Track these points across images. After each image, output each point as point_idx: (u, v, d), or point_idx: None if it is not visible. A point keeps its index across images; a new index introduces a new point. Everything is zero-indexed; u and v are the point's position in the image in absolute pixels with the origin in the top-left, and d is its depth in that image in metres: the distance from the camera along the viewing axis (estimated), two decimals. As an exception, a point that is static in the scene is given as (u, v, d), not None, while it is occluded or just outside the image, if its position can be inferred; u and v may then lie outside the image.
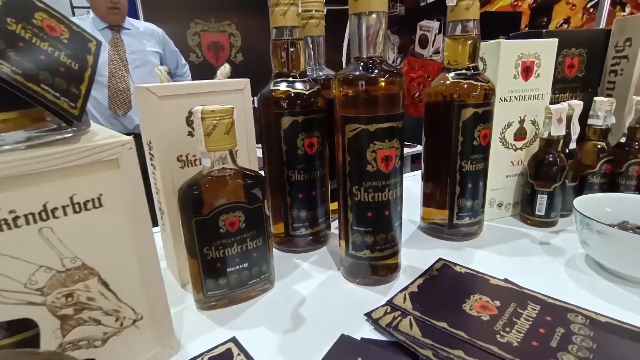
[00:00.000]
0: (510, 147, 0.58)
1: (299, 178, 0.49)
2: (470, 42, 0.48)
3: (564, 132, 0.54)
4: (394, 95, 0.39)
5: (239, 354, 0.34)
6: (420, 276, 0.44)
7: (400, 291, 0.41)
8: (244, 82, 0.45)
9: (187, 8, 3.04)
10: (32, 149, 0.24)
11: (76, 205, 0.26)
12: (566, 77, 0.64)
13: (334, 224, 0.57)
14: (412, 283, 0.43)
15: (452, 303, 0.39)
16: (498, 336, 0.34)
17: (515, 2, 2.78)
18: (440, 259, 0.48)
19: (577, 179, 0.59)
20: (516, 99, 0.55)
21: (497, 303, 0.39)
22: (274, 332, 0.37)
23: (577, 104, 0.55)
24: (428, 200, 0.56)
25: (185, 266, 0.40)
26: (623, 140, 0.60)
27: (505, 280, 0.43)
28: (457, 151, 0.49)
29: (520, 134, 0.57)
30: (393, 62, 3.33)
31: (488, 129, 0.50)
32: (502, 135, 0.56)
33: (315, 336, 0.36)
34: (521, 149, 0.58)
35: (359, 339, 0.35)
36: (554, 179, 0.54)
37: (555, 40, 0.55)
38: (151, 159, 0.42)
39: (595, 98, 0.59)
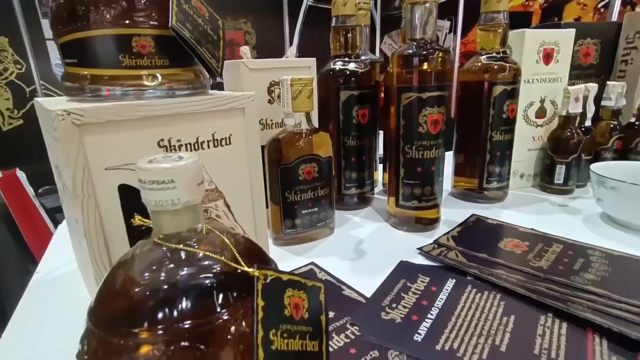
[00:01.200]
0: (532, 123, 0.65)
1: (352, 143, 0.57)
2: (500, 30, 0.56)
3: (580, 110, 0.62)
4: (441, 69, 0.47)
5: (320, 272, 0.42)
6: (458, 225, 0.52)
7: (444, 234, 0.49)
8: (312, 61, 0.53)
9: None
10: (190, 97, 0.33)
11: (215, 141, 0.35)
12: (582, 65, 0.71)
13: (376, 189, 0.65)
14: (452, 229, 0.51)
15: (489, 243, 0.47)
16: (530, 263, 0.42)
17: (527, 2, 2.84)
18: (473, 214, 0.56)
19: (591, 154, 0.67)
20: (538, 81, 0.63)
21: (527, 243, 0.47)
22: (343, 260, 0.45)
23: (593, 86, 0.63)
24: (459, 169, 0.64)
25: (261, 215, 0.49)
26: (633, 120, 0.67)
27: (532, 229, 0.51)
28: (489, 123, 0.58)
29: (541, 112, 0.65)
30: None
31: (515, 104, 0.58)
32: (525, 113, 0.64)
33: (378, 262, 0.44)
34: (541, 125, 0.66)
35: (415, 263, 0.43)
36: (572, 151, 0.62)
37: (572, 30, 0.63)
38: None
39: (608, 82, 0.67)
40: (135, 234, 0.30)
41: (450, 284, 0.38)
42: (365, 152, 0.59)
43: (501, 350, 0.29)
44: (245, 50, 0.51)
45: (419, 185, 0.50)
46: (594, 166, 0.54)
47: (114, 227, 0.30)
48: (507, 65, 0.56)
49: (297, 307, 0.22)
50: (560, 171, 0.63)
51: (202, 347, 0.18)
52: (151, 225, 0.22)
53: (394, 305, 0.35)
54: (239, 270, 0.21)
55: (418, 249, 0.46)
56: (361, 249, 0.48)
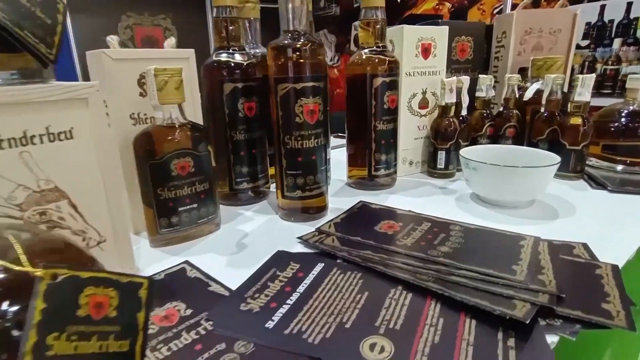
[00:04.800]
0: (416, 114, 0.70)
1: (240, 137, 0.56)
2: (378, 25, 0.59)
3: (454, 100, 0.68)
4: (315, 60, 0.48)
5: (192, 270, 0.41)
6: (343, 212, 0.54)
7: (327, 222, 0.51)
8: (190, 52, 0.52)
9: (117, 1, 2.91)
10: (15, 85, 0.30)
11: (51, 135, 0.32)
12: (459, 60, 0.78)
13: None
14: (336, 217, 0.53)
15: (366, 226, 0.49)
16: (397, 241, 0.44)
17: (437, 6, 3.06)
18: (360, 201, 0.59)
19: (468, 140, 0.73)
20: (418, 74, 0.68)
21: (400, 224, 0.50)
22: (221, 255, 0.44)
23: (465, 78, 0.69)
24: (351, 160, 0.67)
25: (139, 215, 0.46)
26: (501, 109, 0.76)
27: (409, 211, 0.54)
28: (372, 113, 0.60)
29: (423, 103, 0.70)
30: (331, 60, 3.48)
31: (395, 95, 0.61)
32: (409, 104, 0.69)
33: (258, 255, 0.44)
34: (425, 115, 0.71)
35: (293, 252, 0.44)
36: (450, 138, 0.68)
37: (446, 28, 0.69)
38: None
39: (479, 75, 0.74)
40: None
41: (318, 268, 0.39)
42: (256, 145, 0.58)
43: (346, 327, 0.30)
44: (111, 39, 0.48)
45: (301, 175, 0.50)
46: (462, 151, 0.59)
47: None
48: (386, 58, 0.60)
49: (99, 307, 0.21)
50: (441, 157, 0.69)
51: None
52: None
53: (256, 295, 0.35)
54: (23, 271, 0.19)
55: (298, 237, 0.47)
56: (244, 243, 0.47)
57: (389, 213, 0.54)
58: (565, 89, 0.84)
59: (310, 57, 0.48)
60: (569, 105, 0.65)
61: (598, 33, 1.99)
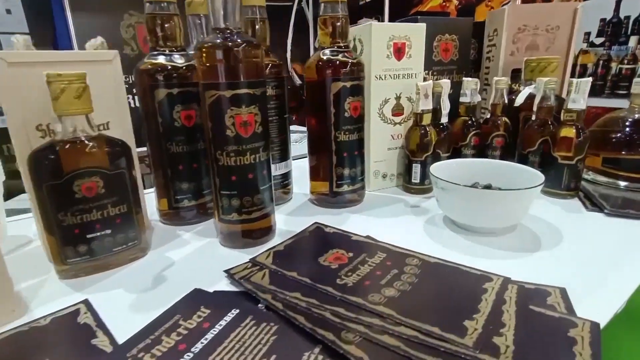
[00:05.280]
0: (389, 121, 0.63)
1: (178, 150, 0.50)
2: (338, 23, 0.52)
3: (430, 107, 0.60)
4: (249, 64, 0.41)
5: (85, 313, 0.34)
6: (292, 237, 0.47)
7: (267, 250, 0.44)
8: (113, 54, 0.45)
9: (119, -1, 2.89)
10: None
11: None
12: (443, 60, 0.70)
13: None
14: (280, 243, 0.46)
15: (310, 257, 0.42)
16: (338, 280, 0.37)
17: (444, 3, 2.95)
18: (315, 223, 0.51)
19: (449, 150, 0.65)
20: (391, 77, 0.60)
21: (351, 254, 0.42)
22: (131, 292, 0.38)
23: (445, 82, 0.62)
24: (313, 173, 0.59)
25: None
26: (488, 116, 0.67)
27: (367, 237, 0.47)
28: (331, 122, 0.53)
29: (397, 110, 0.63)
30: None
31: (358, 101, 0.54)
32: (381, 110, 0.61)
33: (171, 293, 0.37)
34: (400, 123, 0.64)
35: (212, 291, 0.37)
36: (425, 149, 0.60)
37: (423, 25, 0.61)
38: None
39: (463, 78, 0.66)
40: None
41: (230, 316, 0.33)
42: (197, 158, 0.52)
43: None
44: (16, 39, 0.42)
45: (236, 196, 0.44)
46: (433, 166, 0.52)
47: None
48: (348, 60, 0.52)
49: None
50: (416, 170, 0.61)
51: None
52: None
53: (141, 355, 0.28)
54: None
55: (225, 271, 0.40)
56: (164, 275, 0.41)
57: (343, 239, 0.46)
58: (565, 94, 0.75)
59: (243, 59, 0.41)
60: (562, 113, 0.56)
61: (613, 30, 1.86)
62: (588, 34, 1.67)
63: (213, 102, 0.41)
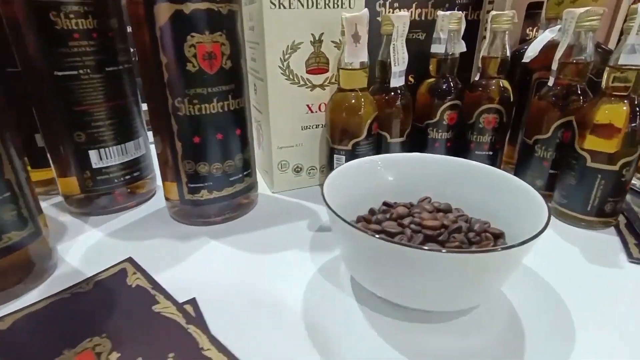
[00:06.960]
0: (303, 83, 0.38)
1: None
2: None
3: (364, 59, 0.35)
4: None
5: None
6: (51, 296, 0.26)
7: (6, 315, 0.23)
8: None
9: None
10: None
11: None
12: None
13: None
14: (42, 300, 0.25)
15: (51, 343, 0.21)
16: None
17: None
18: (129, 258, 0.30)
19: (405, 133, 0.41)
20: (302, 6, 0.35)
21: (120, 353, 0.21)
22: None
23: (400, 16, 0.36)
24: (162, 169, 0.36)
25: None
26: (477, 78, 0.41)
27: (191, 301, 0.25)
28: (163, 83, 0.30)
29: (316, 63, 0.38)
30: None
31: (217, 43, 0.29)
32: (285, 63, 0.37)
33: None
34: (322, 86, 0.39)
35: None
36: (355, 132, 0.36)
37: None
38: None
39: (438, 12, 0.40)
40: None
41: None
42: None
43: None
44: None
45: None
46: (330, 177, 0.28)
47: None
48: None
49: None
50: (339, 163, 0.37)
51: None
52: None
53: None
54: None
55: None
56: None
57: (142, 305, 0.25)
58: (613, 43, 0.48)
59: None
60: (605, 75, 0.30)
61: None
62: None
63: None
